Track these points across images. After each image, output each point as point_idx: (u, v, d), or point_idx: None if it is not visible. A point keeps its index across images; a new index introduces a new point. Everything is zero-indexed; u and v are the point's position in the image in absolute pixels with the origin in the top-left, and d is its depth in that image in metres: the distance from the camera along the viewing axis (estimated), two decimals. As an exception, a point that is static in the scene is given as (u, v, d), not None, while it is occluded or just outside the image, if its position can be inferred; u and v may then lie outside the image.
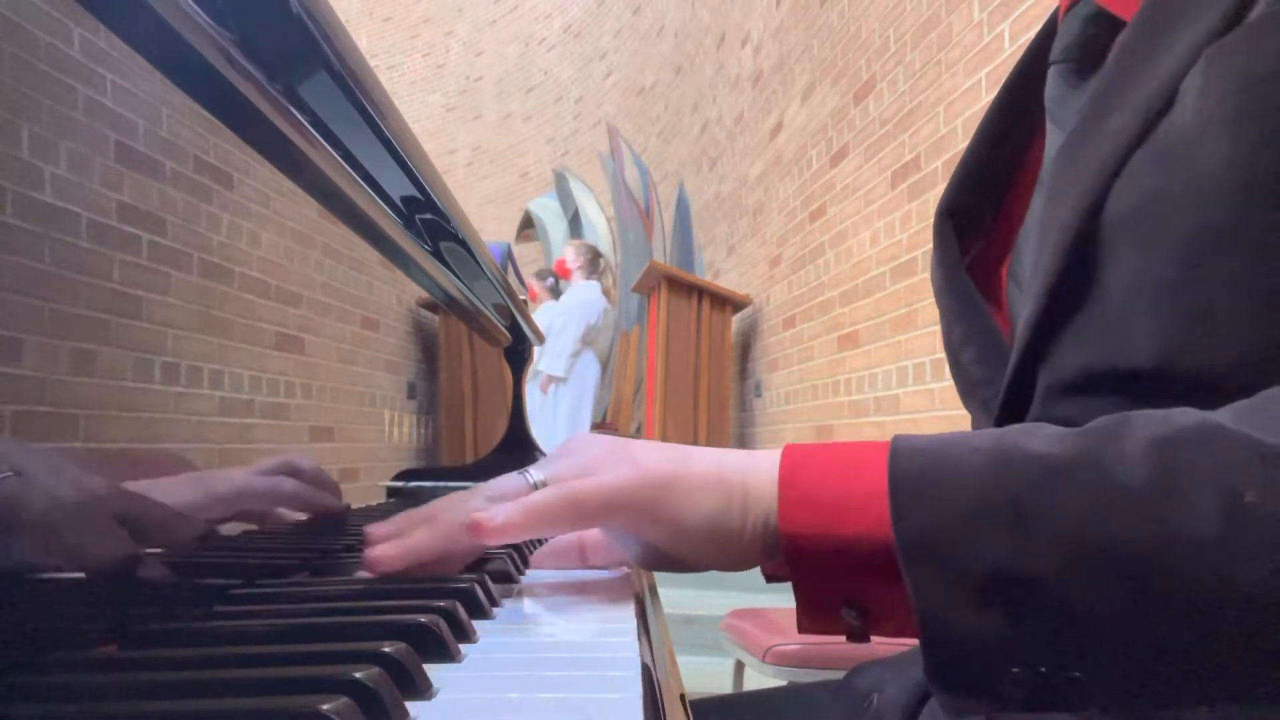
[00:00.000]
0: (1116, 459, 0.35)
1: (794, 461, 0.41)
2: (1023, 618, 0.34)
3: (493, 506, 0.43)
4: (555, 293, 5.61)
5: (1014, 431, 0.38)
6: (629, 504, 0.42)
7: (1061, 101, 0.53)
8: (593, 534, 0.56)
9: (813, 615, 0.41)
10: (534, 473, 0.45)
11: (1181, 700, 0.35)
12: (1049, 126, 0.55)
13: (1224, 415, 0.36)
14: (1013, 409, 0.51)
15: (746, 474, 0.42)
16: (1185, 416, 0.36)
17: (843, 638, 0.42)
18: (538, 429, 1.38)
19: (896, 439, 0.39)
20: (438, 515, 0.47)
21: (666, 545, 0.44)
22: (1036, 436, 0.37)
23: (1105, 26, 0.51)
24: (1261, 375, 0.38)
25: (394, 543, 0.46)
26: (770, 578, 0.47)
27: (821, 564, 0.39)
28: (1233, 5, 0.41)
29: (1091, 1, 0.52)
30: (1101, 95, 0.47)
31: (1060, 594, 0.34)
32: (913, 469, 0.37)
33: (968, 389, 0.59)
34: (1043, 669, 0.34)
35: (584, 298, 5.25)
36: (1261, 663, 0.33)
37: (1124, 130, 0.44)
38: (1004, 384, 0.51)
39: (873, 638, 0.42)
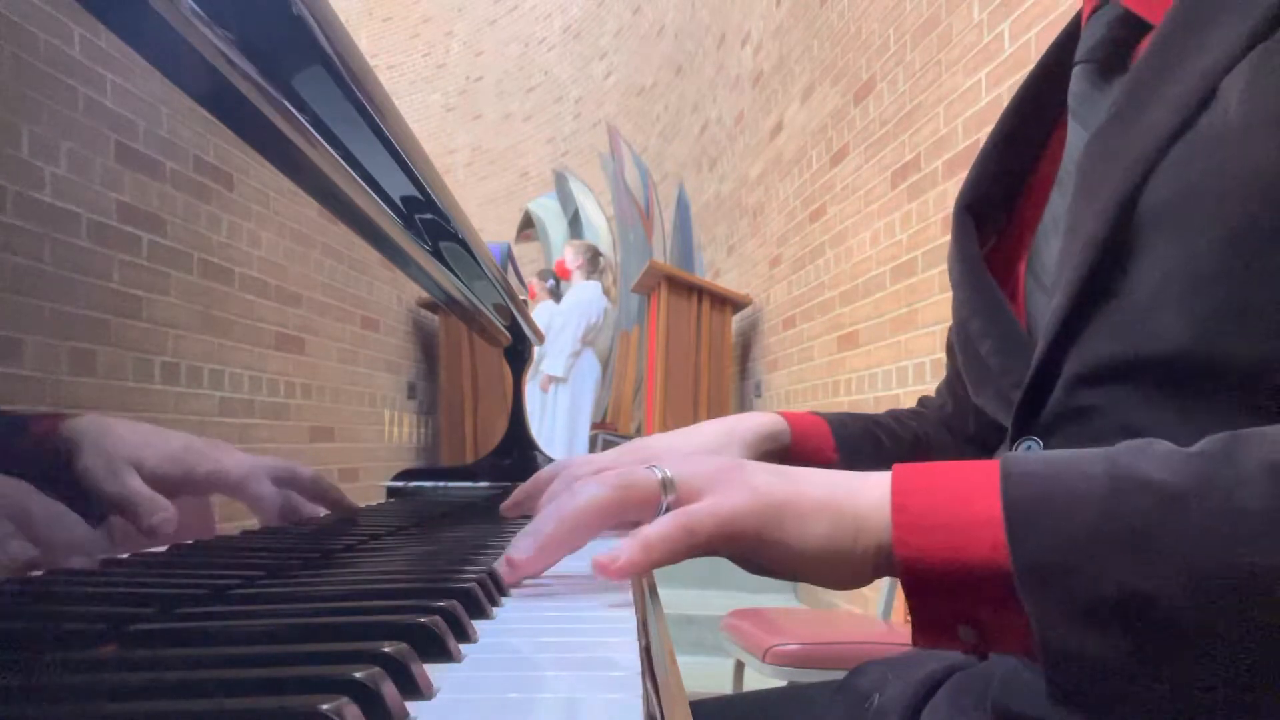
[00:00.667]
0: (1235, 483, 0.35)
1: (905, 485, 0.41)
2: (1146, 640, 0.35)
3: (617, 547, 0.43)
4: (555, 294, 5.61)
5: (1126, 454, 0.38)
6: (743, 530, 0.43)
7: (1086, 100, 0.55)
8: None
9: (929, 633, 0.41)
10: (661, 470, 0.46)
11: None
12: (1071, 125, 0.56)
13: None
14: (1034, 399, 0.52)
15: (857, 497, 0.43)
16: None
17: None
18: (535, 428, 1.38)
19: (1006, 461, 0.39)
20: (568, 514, 0.47)
21: (777, 568, 0.44)
22: (1150, 459, 0.37)
23: (1131, 28, 0.52)
24: None
25: (527, 556, 0.46)
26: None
27: (938, 587, 0.40)
28: (1275, 7, 0.42)
29: (1118, 4, 0.53)
30: (1135, 90, 0.48)
31: (1183, 620, 0.34)
32: (1026, 495, 0.37)
33: (982, 380, 0.59)
34: (1166, 686, 0.35)
35: (584, 297, 5.25)
36: None
37: (1161, 124, 0.45)
38: (1028, 375, 0.52)
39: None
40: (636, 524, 0.46)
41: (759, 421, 0.70)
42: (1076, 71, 0.55)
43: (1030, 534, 0.37)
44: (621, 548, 0.43)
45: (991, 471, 0.39)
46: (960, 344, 0.62)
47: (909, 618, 0.42)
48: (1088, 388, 0.48)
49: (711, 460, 0.47)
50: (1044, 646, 0.36)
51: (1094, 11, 0.55)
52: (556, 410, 5.08)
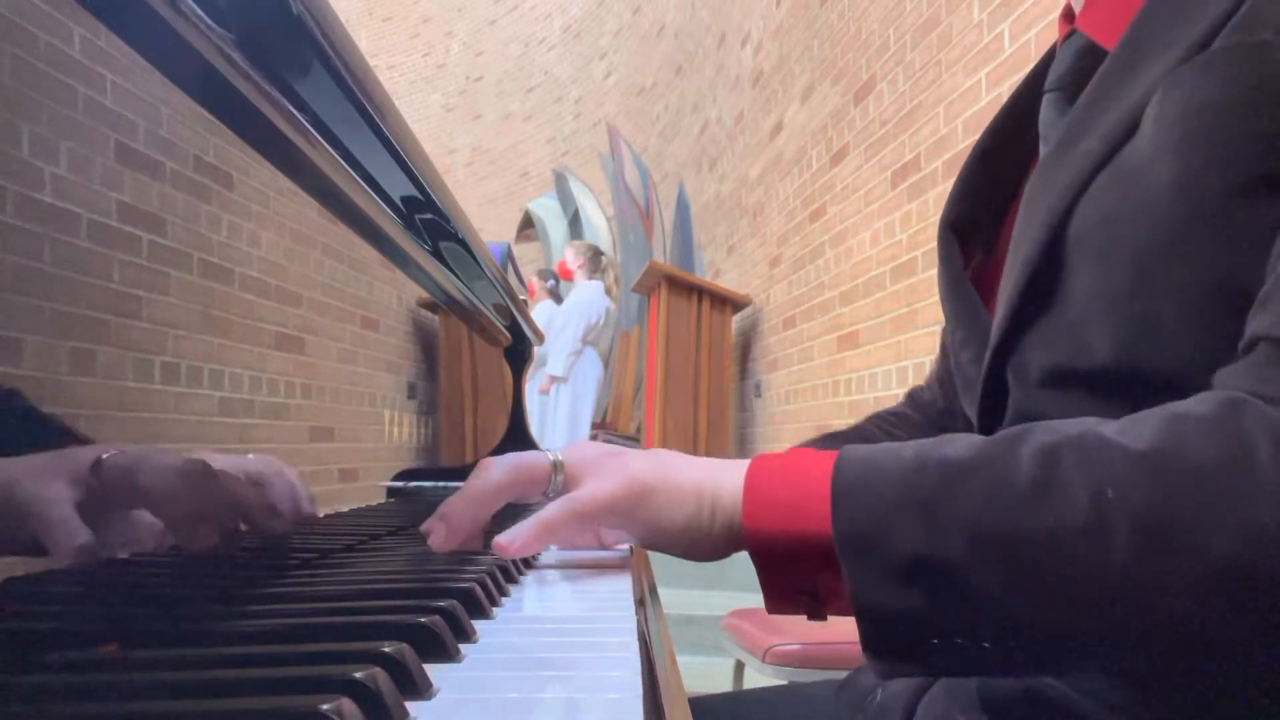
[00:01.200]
0: (1011, 463, 0.40)
1: (758, 468, 0.47)
2: (937, 597, 0.40)
3: (515, 528, 0.51)
4: (554, 294, 5.61)
5: (935, 440, 0.44)
6: (620, 509, 0.50)
7: (1052, 125, 0.58)
8: None
9: (775, 599, 0.47)
10: (551, 454, 0.55)
11: (1076, 666, 0.41)
12: (1042, 149, 0.59)
13: (1109, 425, 0.40)
14: (989, 405, 0.56)
15: (718, 481, 0.49)
16: (1074, 426, 0.41)
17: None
18: (536, 427, 1.38)
19: (844, 450, 0.45)
20: (466, 505, 0.55)
21: (646, 542, 0.52)
22: (953, 443, 0.43)
23: (1095, 58, 0.54)
24: (1203, 374, 0.43)
25: (441, 535, 0.55)
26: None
27: (780, 557, 0.45)
28: (1197, 41, 0.44)
29: (1081, 35, 0.56)
30: (1075, 122, 0.51)
31: (966, 577, 0.39)
32: (850, 475, 0.43)
33: (964, 387, 0.63)
34: (959, 640, 0.40)
35: (585, 297, 5.25)
36: (1132, 635, 0.38)
37: (1090, 154, 0.48)
38: (979, 382, 0.56)
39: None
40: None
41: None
42: (1046, 99, 0.59)
43: (847, 508, 0.42)
44: (519, 530, 0.51)
45: (831, 457, 0.45)
46: (951, 352, 0.66)
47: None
48: (1036, 395, 0.52)
49: (594, 448, 0.54)
50: (855, 603, 0.41)
51: (1065, 39, 0.58)
52: (558, 409, 5.08)
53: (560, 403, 5.09)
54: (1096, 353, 0.48)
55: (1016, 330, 0.53)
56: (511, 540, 0.51)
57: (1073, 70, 0.57)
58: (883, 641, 0.41)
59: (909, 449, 0.43)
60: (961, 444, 0.42)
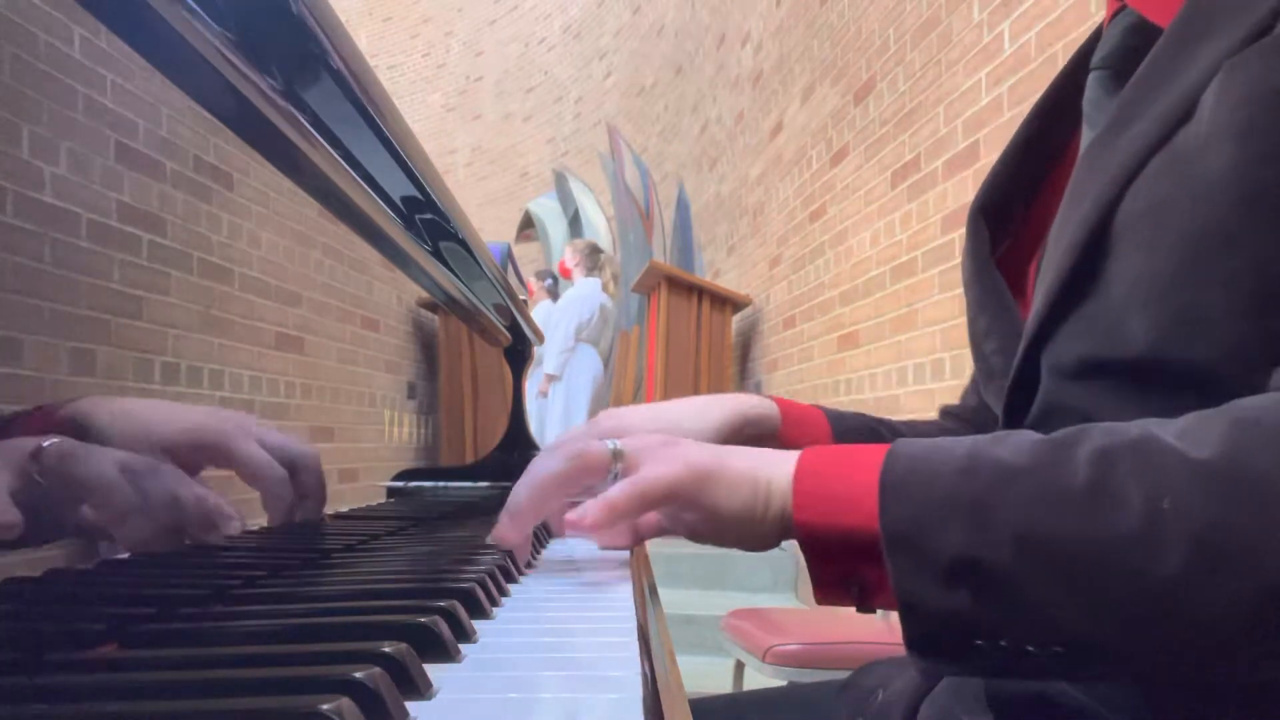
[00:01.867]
0: (1065, 466, 0.39)
1: (809, 461, 0.47)
2: (983, 599, 0.39)
3: (583, 505, 0.52)
4: (553, 293, 5.60)
5: (989, 439, 0.43)
6: (679, 493, 0.50)
7: (1098, 106, 0.55)
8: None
9: (823, 590, 0.47)
10: (612, 444, 0.55)
11: (1121, 673, 0.41)
12: (1084, 129, 0.57)
13: (1170, 428, 0.40)
14: (1019, 396, 0.54)
15: (772, 471, 0.49)
16: (1133, 429, 0.40)
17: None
18: (535, 426, 1.38)
19: (896, 443, 0.44)
20: (534, 490, 0.55)
21: (701, 526, 0.52)
22: (1006, 444, 0.42)
23: (1145, 36, 0.52)
24: (1244, 369, 0.42)
25: (507, 527, 0.55)
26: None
27: (828, 549, 0.46)
28: (1259, 22, 0.42)
29: (1133, 11, 0.54)
30: (1127, 103, 0.49)
31: (1012, 580, 0.39)
32: (899, 471, 0.43)
33: (987, 378, 0.61)
34: (1003, 643, 0.39)
35: (578, 294, 5.25)
36: (1177, 648, 0.37)
37: (1143, 136, 0.46)
38: (1011, 371, 0.54)
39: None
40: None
41: (741, 401, 0.70)
42: (1092, 78, 0.56)
43: (895, 504, 0.42)
44: (587, 507, 0.51)
45: (883, 450, 0.45)
46: (972, 342, 0.64)
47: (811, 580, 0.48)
48: (1065, 386, 0.51)
49: (654, 436, 0.55)
50: (900, 600, 0.41)
51: (1113, 16, 0.56)
52: (552, 407, 5.07)
53: (555, 400, 5.09)
54: (1134, 343, 0.46)
55: (1053, 320, 0.51)
56: (581, 516, 0.51)
57: (1121, 48, 0.54)
58: (926, 640, 0.41)
59: (962, 446, 0.43)
60: (1015, 444, 0.42)
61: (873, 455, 0.45)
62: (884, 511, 0.42)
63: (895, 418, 0.79)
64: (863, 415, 0.76)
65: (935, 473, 0.42)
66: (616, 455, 0.54)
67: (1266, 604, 0.35)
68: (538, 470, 0.55)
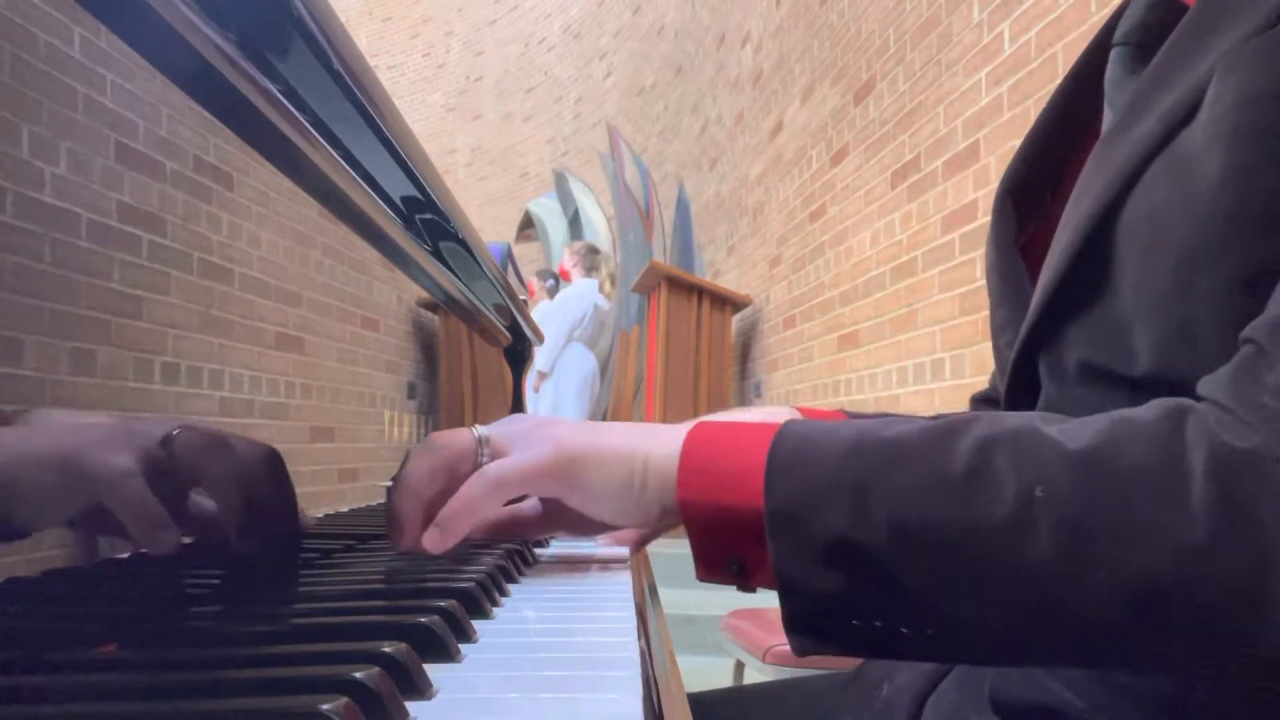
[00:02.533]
0: (947, 452, 0.39)
1: (697, 435, 0.47)
2: (860, 581, 0.40)
3: (435, 521, 0.50)
4: (554, 294, 5.62)
5: (879, 422, 0.43)
6: (545, 476, 0.49)
7: (1118, 85, 0.53)
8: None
9: (705, 566, 0.46)
10: (480, 430, 0.53)
11: (995, 658, 0.41)
12: (1106, 110, 0.54)
13: (1054, 422, 0.40)
14: (1017, 394, 0.53)
15: (652, 446, 0.48)
16: (1016, 419, 0.40)
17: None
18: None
19: (787, 423, 0.44)
20: (401, 513, 0.52)
21: (580, 508, 0.51)
22: (899, 425, 0.42)
23: (1169, 10, 0.50)
24: None
25: (398, 537, 0.52)
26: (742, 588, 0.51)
27: (709, 526, 0.45)
28: (1268, 14, 0.40)
29: None
30: (1139, 96, 0.47)
31: (889, 563, 0.39)
32: (787, 450, 0.42)
33: (1002, 372, 0.59)
34: (877, 623, 0.40)
35: (573, 294, 5.26)
36: (1047, 636, 0.38)
37: (1147, 136, 0.44)
38: (1009, 365, 0.53)
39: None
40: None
41: (769, 413, 0.69)
42: (1114, 54, 0.54)
43: (780, 483, 0.41)
44: (439, 517, 0.50)
45: (772, 430, 0.44)
46: (991, 331, 0.62)
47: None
48: (1068, 390, 0.50)
49: (526, 420, 0.53)
50: (779, 579, 0.41)
51: None
52: (540, 405, 5.07)
53: (544, 397, 5.10)
54: (1139, 357, 0.44)
55: (1054, 318, 0.50)
56: (433, 534, 0.49)
57: (1143, 23, 0.52)
58: (803, 619, 0.41)
59: (850, 428, 0.43)
60: (902, 428, 0.42)
61: (762, 433, 0.44)
62: (769, 492, 0.41)
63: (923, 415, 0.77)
64: (887, 415, 0.75)
65: (822, 453, 0.41)
66: (482, 442, 0.52)
67: (1128, 597, 0.35)
68: (407, 469, 0.52)
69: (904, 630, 0.39)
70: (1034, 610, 0.37)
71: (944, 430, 0.41)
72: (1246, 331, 0.38)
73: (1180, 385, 0.42)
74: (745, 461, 0.43)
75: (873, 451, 0.41)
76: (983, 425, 0.40)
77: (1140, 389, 0.45)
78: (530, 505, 0.59)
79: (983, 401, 0.77)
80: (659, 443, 0.48)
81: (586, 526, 0.56)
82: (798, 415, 0.69)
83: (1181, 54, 0.45)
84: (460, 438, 0.52)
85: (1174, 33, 0.46)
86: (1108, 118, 0.54)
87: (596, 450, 0.49)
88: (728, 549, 0.45)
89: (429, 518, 0.52)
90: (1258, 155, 0.38)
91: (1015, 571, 0.37)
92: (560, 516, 0.56)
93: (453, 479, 0.51)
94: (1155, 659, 0.37)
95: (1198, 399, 0.39)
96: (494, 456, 0.52)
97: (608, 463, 0.49)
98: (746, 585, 0.46)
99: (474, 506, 0.50)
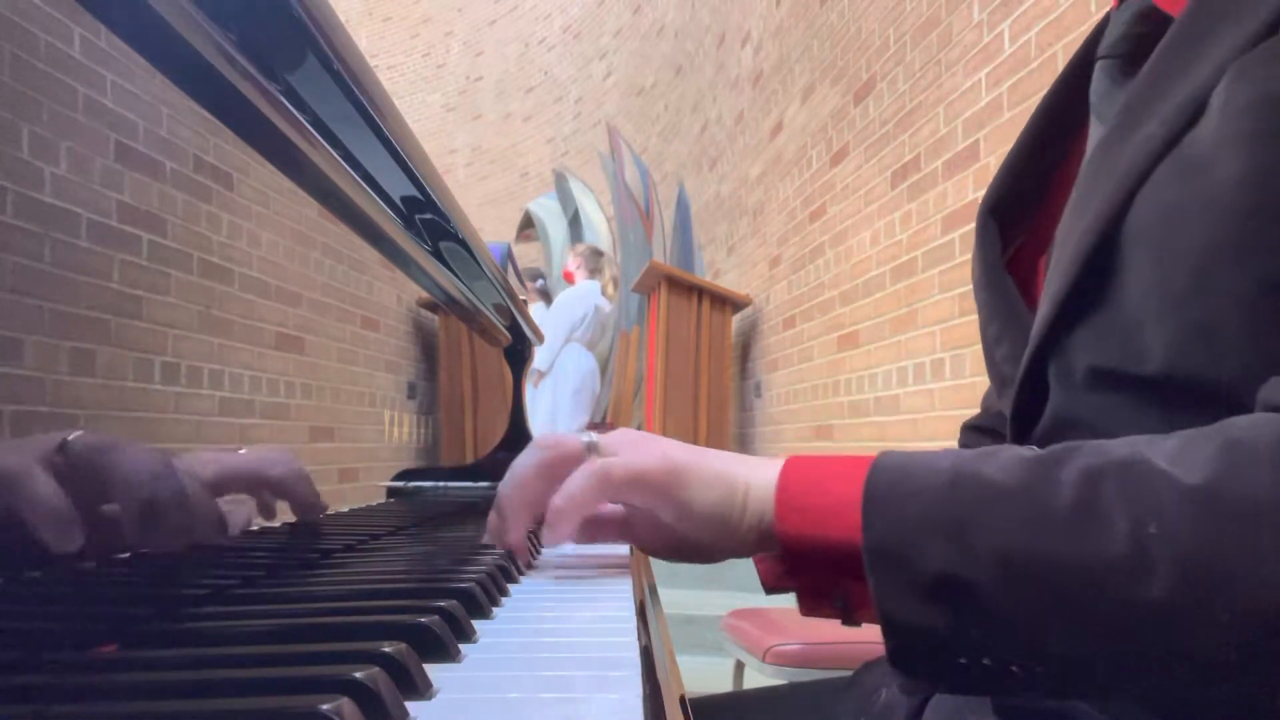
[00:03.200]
0: (1051, 486, 0.39)
1: (792, 469, 0.47)
2: (965, 618, 0.39)
3: (550, 518, 0.52)
4: (544, 294, 5.62)
5: (976, 455, 0.42)
6: (650, 483, 0.50)
7: (1105, 96, 0.54)
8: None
9: (808, 602, 0.47)
10: (592, 436, 0.55)
11: (1107, 694, 0.40)
12: (1092, 121, 0.55)
13: (1160, 449, 0.39)
14: (1028, 405, 0.53)
15: (751, 475, 0.48)
16: (1122, 449, 0.39)
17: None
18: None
19: (880, 456, 0.44)
20: (511, 506, 0.55)
21: (675, 524, 0.51)
22: (993, 460, 0.41)
23: (1154, 23, 0.51)
24: (1258, 389, 0.40)
25: (498, 523, 0.56)
26: (770, 590, 0.52)
27: (809, 560, 0.45)
28: (1270, 19, 0.40)
29: None
30: (1134, 102, 0.47)
31: (994, 600, 0.38)
32: (883, 484, 0.42)
33: (1000, 386, 0.60)
34: (985, 661, 0.39)
35: (574, 294, 5.27)
36: (1163, 673, 0.37)
37: (1150, 140, 0.44)
38: (1017, 380, 0.53)
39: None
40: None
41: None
42: (1098, 67, 0.54)
43: (878, 519, 0.41)
44: (550, 507, 0.51)
45: (866, 463, 0.44)
46: (984, 348, 0.62)
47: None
48: (1077, 396, 0.49)
49: (634, 433, 0.54)
50: (881, 615, 0.40)
51: (1120, 3, 0.54)
52: (538, 404, 5.08)
53: (541, 397, 5.11)
54: (1150, 358, 0.44)
55: (1062, 328, 0.49)
56: (549, 527, 0.51)
57: (1128, 36, 0.52)
58: (908, 656, 0.41)
59: (945, 460, 0.42)
60: (1001, 461, 0.41)
61: (856, 467, 0.44)
62: (867, 526, 0.41)
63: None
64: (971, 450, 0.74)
65: (919, 487, 0.41)
66: (591, 448, 0.54)
67: (1254, 630, 0.34)
68: (516, 466, 0.56)
69: (1013, 668, 0.39)
70: (1148, 649, 0.36)
71: (1047, 462, 0.40)
72: None
73: (1193, 384, 0.43)
74: (841, 495, 0.44)
75: (971, 484, 0.40)
76: (1087, 455, 0.39)
77: (1151, 389, 0.45)
78: (614, 509, 0.59)
79: (973, 430, 0.77)
80: (759, 473, 0.48)
81: (667, 548, 0.56)
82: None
83: (1179, 59, 0.45)
84: (568, 441, 0.54)
85: (1165, 40, 0.47)
86: (1095, 129, 0.55)
87: (700, 467, 0.50)
88: (832, 583, 0.45)
89: (532, 518, 0.54)
90: (1276, 155, 0.39)
91: (1129, 609, 0.36)
92: (645, 533, 0.56)
93: (557, 481, 0.53)
94: (1270, 698, 0.36)
95: (1231, 402, 0.39)
96: None
97: (710, 482, 0.49)
98: (851, 619, 0.46)
99: (581, 501, 0.51)
